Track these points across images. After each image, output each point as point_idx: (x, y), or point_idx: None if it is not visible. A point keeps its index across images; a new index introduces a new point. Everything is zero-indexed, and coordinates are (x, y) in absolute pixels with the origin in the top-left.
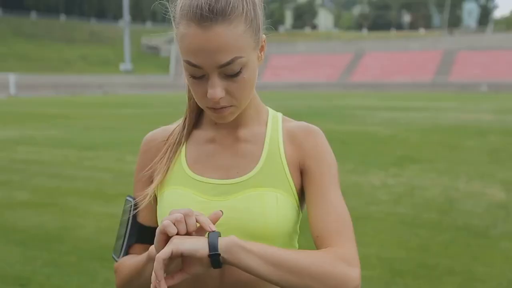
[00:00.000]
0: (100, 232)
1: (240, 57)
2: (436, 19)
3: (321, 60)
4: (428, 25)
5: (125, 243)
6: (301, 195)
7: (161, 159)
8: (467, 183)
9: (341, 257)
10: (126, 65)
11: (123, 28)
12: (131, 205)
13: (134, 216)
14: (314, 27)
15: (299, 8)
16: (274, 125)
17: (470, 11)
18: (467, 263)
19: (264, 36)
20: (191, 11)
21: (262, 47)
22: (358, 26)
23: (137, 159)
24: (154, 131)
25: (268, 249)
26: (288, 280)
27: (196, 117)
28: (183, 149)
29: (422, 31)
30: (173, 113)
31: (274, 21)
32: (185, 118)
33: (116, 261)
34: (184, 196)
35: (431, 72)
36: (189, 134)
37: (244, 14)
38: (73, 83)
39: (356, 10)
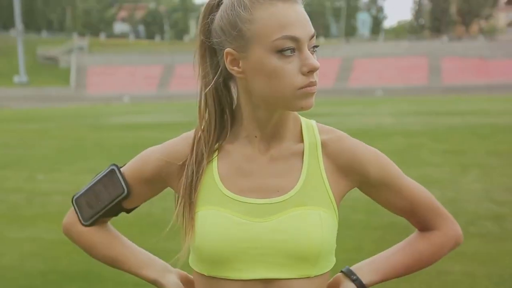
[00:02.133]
0: (24, 259)
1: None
2: (334, 28)
3: None
4: (327, 34)
5: (97, 215)
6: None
7: (186, 173)
8: None
9: (452, 235)
10: (21, 77)
11: (15, 38)
12: (124, 194)
13: (119, 202)
14: None
15: None
16: (311, 138)
17: (363, 21)
18: None
19: None
20: None
21: None
22: None
23: (157, 151)
24: (183, 140)
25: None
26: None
27: (220, 129)
28: (214, 165)
29: (322, 39)
30: (78, 126)
31: (179, 31)
32: (203, 135)
33: (83, 223)
34: (224, 218)
35: (332, 78)
36: (220, 147)
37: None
38: None
39: None
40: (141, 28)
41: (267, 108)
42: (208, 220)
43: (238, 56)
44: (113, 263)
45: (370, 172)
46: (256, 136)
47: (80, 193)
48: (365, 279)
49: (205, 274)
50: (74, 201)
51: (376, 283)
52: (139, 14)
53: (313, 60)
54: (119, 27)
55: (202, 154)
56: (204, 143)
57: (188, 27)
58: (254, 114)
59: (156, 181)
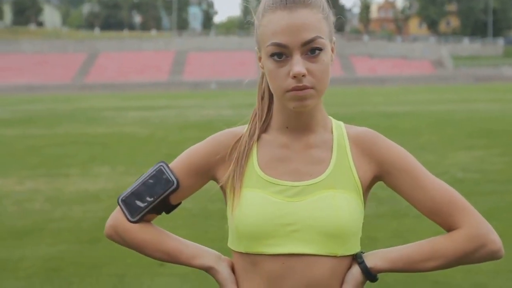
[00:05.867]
0: None
1: (321, 37)
2: (166, 21)
3: (52, 60)
4: (159, 27)
5: (146, 211)
6: (366, 198)
7: (232, 162)
8: None
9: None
10: None
11: None
12: (173, 186)
13: (168, 195)
14: (40, 24)
15: (19, 3)
16: (339, 132)
17: (195, 15)
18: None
19: (334, 38)
20: (277, 0)
21: (333, 48)
22: (89, 25)
23: (203, 144)
24: (226, 133)
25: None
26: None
27: (267, 119)
28: (254, 152)
29: (153, 32)
30: None
31: None
32: (254, 121)
33: (130, 220)
34: (261, 198)
35: (166, 71)
36: (258, 137)
37: (321, 7)
38: None
39: (86, 8)
40: None
41: None
42: (247, 200)
43: (260, 56)
44: (167, 257)
45: (389, 156)
46: (287, 127)
47: (127, 192)
48: (369, 263)
49: (243, 251)
50: (120, 201)
51: (384, 270)
52: None
53: (297, 66)
54: None
55: (255, 130)
56: (258, 120)
57: (2, 13)
58: (283, 107)
59: (203, 173)
